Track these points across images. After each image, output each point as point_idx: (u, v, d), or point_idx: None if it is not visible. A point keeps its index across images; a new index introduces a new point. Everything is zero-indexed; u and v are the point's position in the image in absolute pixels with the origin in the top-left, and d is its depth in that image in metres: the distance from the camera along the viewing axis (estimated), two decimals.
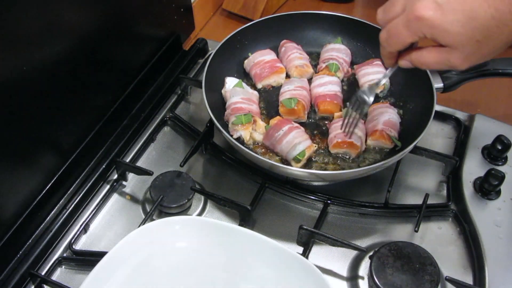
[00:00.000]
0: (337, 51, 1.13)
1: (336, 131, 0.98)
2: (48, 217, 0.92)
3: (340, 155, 0.98)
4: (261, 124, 1.01)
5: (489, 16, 0.67)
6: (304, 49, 1.16)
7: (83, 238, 0.94)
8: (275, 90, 1.11)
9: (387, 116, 1.00)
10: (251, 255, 0.84)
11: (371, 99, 0.91)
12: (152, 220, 0.92)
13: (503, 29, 0.68)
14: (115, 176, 1.02)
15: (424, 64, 0.76)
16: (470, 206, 0.94)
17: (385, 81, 0.88)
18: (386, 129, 0.98)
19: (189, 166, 1.04)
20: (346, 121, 0.94)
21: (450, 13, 0.68)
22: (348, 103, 0.95)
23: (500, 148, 0.99)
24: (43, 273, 0.88)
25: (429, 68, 0.76)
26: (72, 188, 0.96)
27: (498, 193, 0.96)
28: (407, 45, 0.75)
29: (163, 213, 0.96)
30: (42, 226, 0.91)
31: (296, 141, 0.95)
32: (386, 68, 0.85)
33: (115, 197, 1.00)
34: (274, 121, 1.00)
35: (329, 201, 0.97)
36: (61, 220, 0.93)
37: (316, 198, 0.98)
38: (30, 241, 0.89)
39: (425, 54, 0.75)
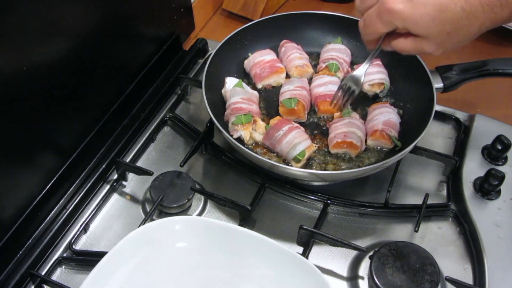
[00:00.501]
0: (337, 51, 1.13)
1: (336, 131, 0.98)
2: (48, 217, 0.92)
3: (340, 155, 0.98)
4: (261, 124, 1.01)
5: (459, 9, 0.69)
6: (304, 49, 1.16)
7: (83, 238, 0.94)
8: (275, 90, 1.11)
9: (387, 116, 1.00)
10: (251, 255, 0.84)
11: (361, 80, 0.96)
12: (152, 220, 0.92)
13: (473, 21, 0.70)
14: (115, 176, 1.02)
15: (402, 50, 0.80)
16: (470, 206, 0.94)
17: (369, 65, 0.94)
18: (386, 129, 0.98)
19: (189, 166, 1.04)
20: (338, 94, 0.98)
21: (420, 6, 0.71)
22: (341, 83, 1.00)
23: (500, 148, 0.99)
24: (43, 273, 0.88)
25: (407, 54, 0.81)
26: (72, 188, 0.96)
27: (498, 193, 0.96)
28: (382, 35, 0.80)
29: (163, 213, 0.96)
30: (42, 226, 0.91)
31: (296, 141, 0.95)
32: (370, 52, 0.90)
33: (115, 197, 1.00)
34: (274, 121, 1.00)
35: (329, 201, 0.97)
36: (61, 220, 0.93)
37: (316, 198, 0.98)
38: (30, 241, 0.89)
39: (402, 41, 0.79)
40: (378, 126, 0.98)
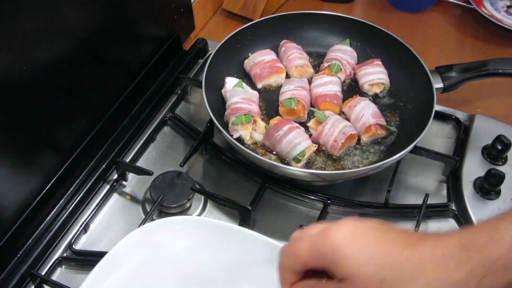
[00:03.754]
0: (342, 52, 1.12)
1: (332, 136, 0.97)
2: (48, 217, 0.92)
3: (340, 155, 0.98)
4: (261, 124, 1.01)
5: (404, 259, 0.55)
6: (304, 49, 1.16)
7: (83, 238, 0.94)
8: (275, 90, 1.11)
9: (371, 109, 1.01)
10: (251, 255, 0.84)
11: None
12: (152, 220, 0.92)
13: (416, 274, 0.54)
14: (115, 176, 1.02)
15: None
16: (470, 206, 0.94)
17: None
18: (378, 121, 0.99)
19: (189, 166, 1.04)
20: None
21: (360, 241, 0.56)
22: None
23: (500, 148, 0.99)
24: (43, 273, 0.88)
25: None
26: (72, 188, 0.96)
27: (498, 193, 0.96)
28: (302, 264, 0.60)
29: (163, 213, 0.96)
30: (42, 226, 0.91)
31: (296, 141, 0.95)
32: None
33: (115, 197, 1.00)
34: (274, 121, 1.00)
35: (329, 201, 0.97)
36: (61, 220, 0.93)
37: (316, 198, 0.98)
38: (30, 241, 0.89)
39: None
40: (370, 121, 0.99)
